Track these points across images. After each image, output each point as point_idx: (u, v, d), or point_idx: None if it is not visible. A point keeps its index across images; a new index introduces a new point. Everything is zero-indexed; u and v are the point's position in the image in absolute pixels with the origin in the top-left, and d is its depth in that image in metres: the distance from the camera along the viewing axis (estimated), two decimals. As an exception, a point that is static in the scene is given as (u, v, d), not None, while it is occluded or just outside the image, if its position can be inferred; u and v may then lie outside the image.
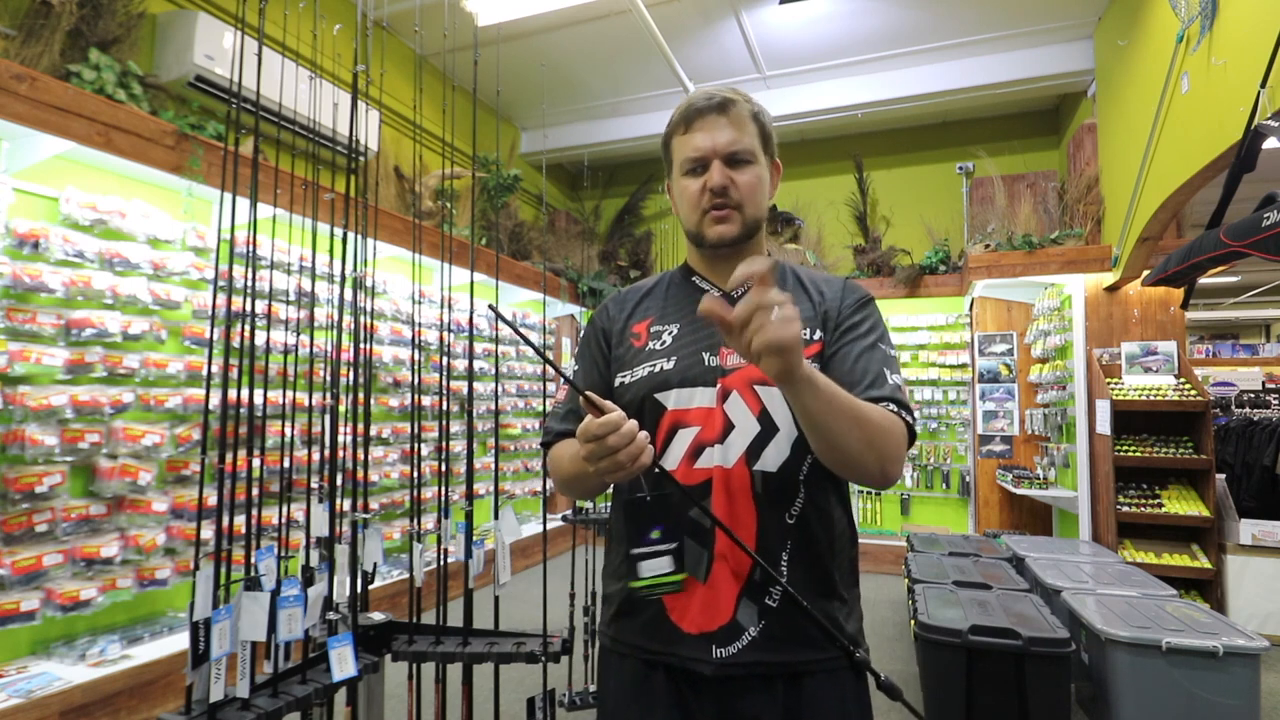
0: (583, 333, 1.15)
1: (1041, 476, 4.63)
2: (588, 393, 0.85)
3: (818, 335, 1.01)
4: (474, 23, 3.38)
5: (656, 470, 0.89)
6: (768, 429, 0.96)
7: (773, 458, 0.96)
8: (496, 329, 3.41)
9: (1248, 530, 3.69)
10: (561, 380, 1.15)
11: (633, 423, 0.84)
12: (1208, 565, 3.71)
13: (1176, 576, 3.68)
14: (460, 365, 3.95)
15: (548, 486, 5.14)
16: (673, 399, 1.00)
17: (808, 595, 0.93)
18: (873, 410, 0.89)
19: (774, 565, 0.93)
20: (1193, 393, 3.88)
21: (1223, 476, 3.99)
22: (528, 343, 0.86)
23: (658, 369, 1.02)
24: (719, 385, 0.98)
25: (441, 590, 1.96)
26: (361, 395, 1.90)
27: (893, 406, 0.93)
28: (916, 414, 1.02)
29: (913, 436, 0.94)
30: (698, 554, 0.95)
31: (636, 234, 6.87)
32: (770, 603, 0.93)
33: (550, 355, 6.03)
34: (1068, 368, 4.43)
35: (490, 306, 0.89)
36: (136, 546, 2.73)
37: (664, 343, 1.05)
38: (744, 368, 0.99)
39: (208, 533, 1.45)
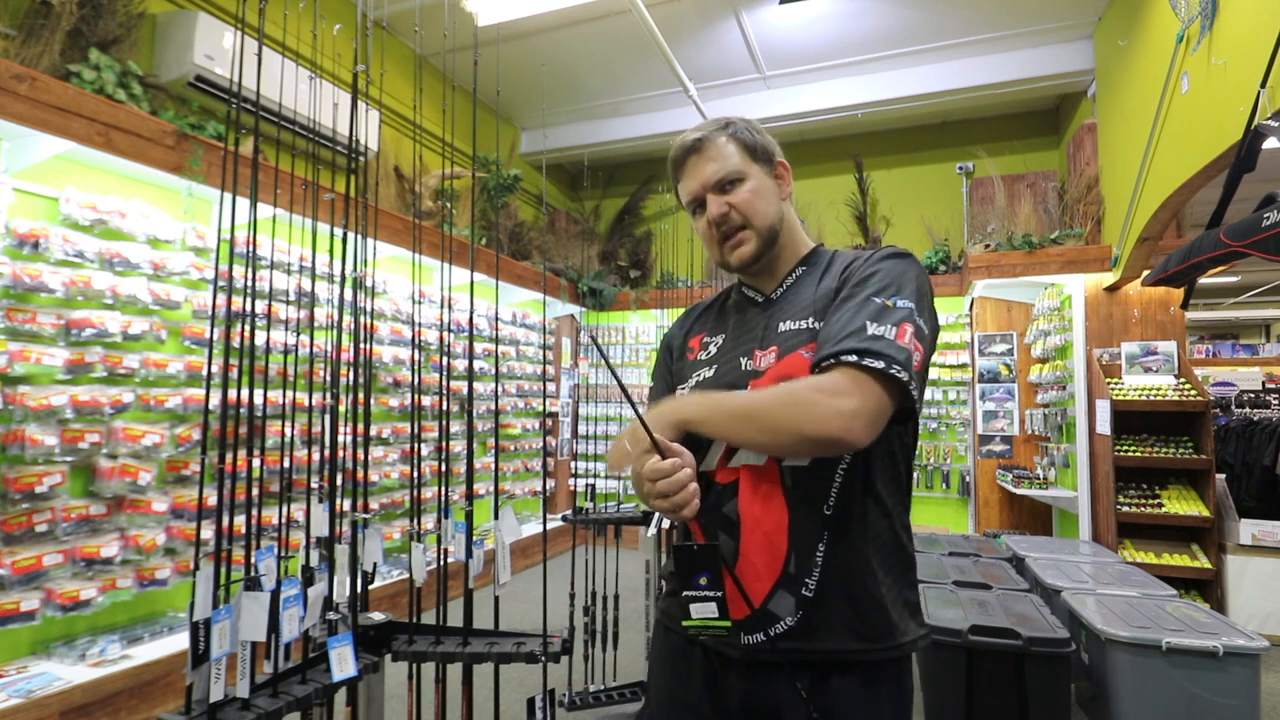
0: (658, 349, 1.27)
1: (1041, 476, 4.62)
2: (656, 436, 0.92)
3: None
4: (474, 23, 3.38)
5: (704, 518, 0.97)
6: None
7: None
8: (497, 329, 3.41)
9: (1248, 530, 3.69)
10: (649, 397, 1.27)
11: (685, 472, 0.90)
12: (1208, 565, 3.71)
13: (1176, 576, 3.68)
14: (460, 365, 3.95)
15: (548, 486, 5.14)
16: None
17: (850, 584, 0.95)
18: (755, 396, 0.94)
19: (810, 556, 0.95)
20: (1193, 393, 3.88)
21: (1223, 476, 3.99)
22: (615, 377, 0.91)
23: (703, 377, 1.09)
24: (750, 387, 1.02)
25: (441, 590, 1.96)
26: (361, 395, 1.90)
27: (850, 358, 0.87)
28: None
29: (892, 382, 0.87)
30: (729, 547, 1.00)
31: (636, 234, 6.87)
32: (807, 593, 0.95)
33: (550, 356, 6.03)
34: (1068, 368, 4.43)
35: (591, 337, 0.96)
36: (136, 546, 2.73)
37: (710, 353, 1.12)
38: (775, 366, 1.01)
39: (208, 533, 1.45)
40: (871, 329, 0.90)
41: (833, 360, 0.89)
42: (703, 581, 0.92)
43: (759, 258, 1.07)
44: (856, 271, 1.01)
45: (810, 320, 1.02)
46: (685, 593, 0.93)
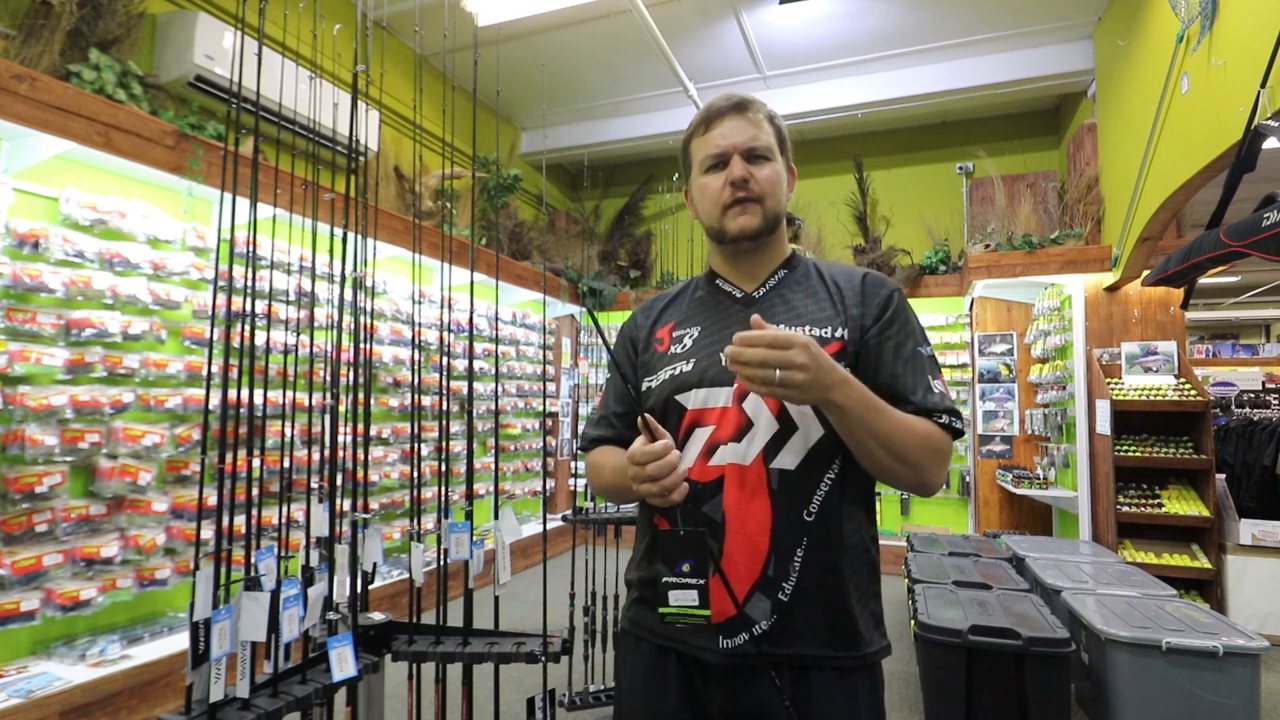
0: (614, 343, 1.20)
1: (1041, 476, 4.63)
2: (646, 415, 0.92)
3: (839, 333, 1.01)
4: (474, 23, 3.38)
5: (689, 505, 0.95)
6: (786, 427, 0.98)
7: (791, 456, 0.97)
8: (497, 329, 3.41)
9: (1248, 530, 3.69)
10: (604, 389, 1.23)
11: (675, 454, 0.91)
12: (1208, 565, 3.71)
13: (1176, 576, 3.68)
14: (460, 365, 3.95)
15: (548, 486, 5.14)
16: (693, 399, 1.03)
17: (823, 591, 0.95)
18: (908, 427, 0.93)
19: (788, 561, 0.95)
20: (1193, 393, 3.88)
21: (1223, 476, 3.99)
22: (607, 346, 0.89)
23: (678, 371, 1.05)
24: (736, 384, 1.00)
25: (441, 590, 1.96)
26: (361, 395, 1.90)
27: (943, 418, 0.97)
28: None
29: (958, 436, 0.98)
30: (713, 547, 0.97)
31: (636, 234, 6.87)
32: (783, 597, 0.95)
33: (550, 356, 6.03)
34: (1068, 368, 4.43)
35: (588, 310, 0.94)
36: (136, 546, 2.73)
37: (685, 346, 1.08)
38: None
39: (208, 533, 1.45)
40: (934, 385, 0.99)
41: (941, 416, 0.97)
42: (685, 568, 0.90)
43: (758, 235, 1.05)
44: (876, 305, 1.03)
45: (807, 329, 1.01)
46: (666, 579, 0.91)
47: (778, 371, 0.83)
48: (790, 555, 0.95)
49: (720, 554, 0.96)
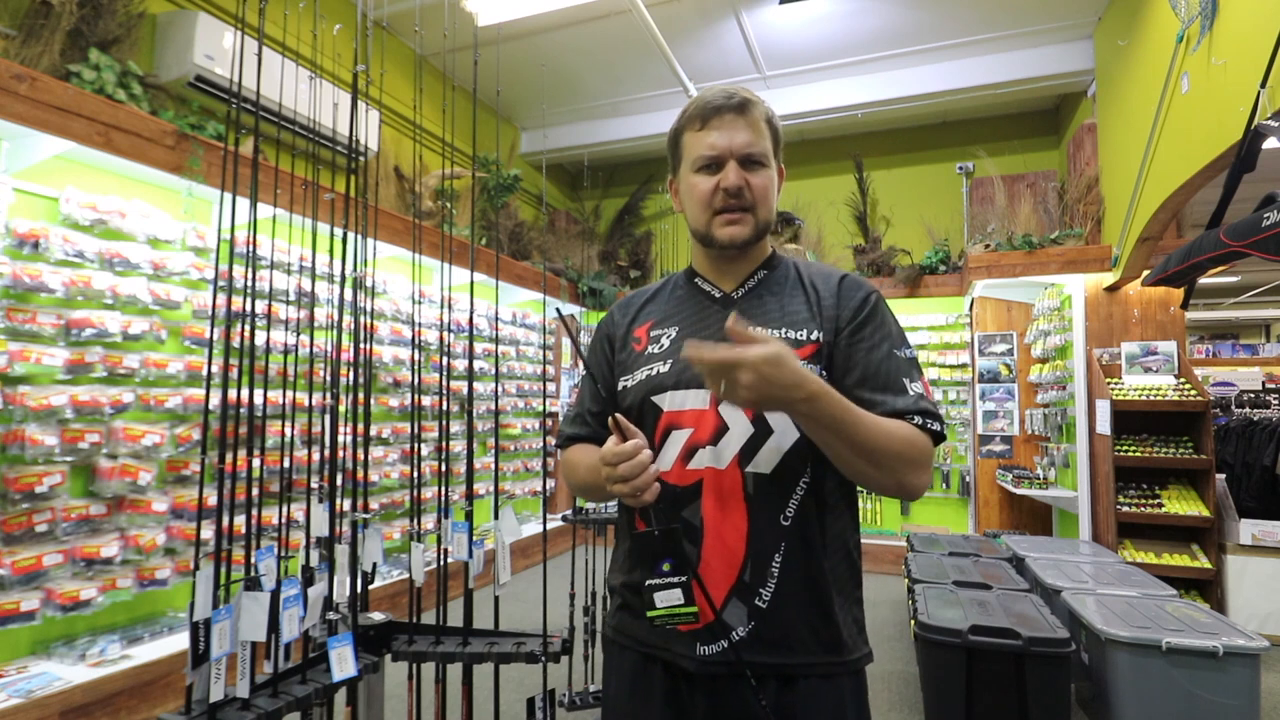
0: (590, 340, 1.17)
1: (1041, 476, 4.62)
2: (617, 415, 0.91)
3: (814, 335, 0.99)
4: (474, 23, 3.38)
5: (662, 505, 0.93)
6: (762, 431, 0.96)
7: (766, 460, 0.96)
8: (497, 329, 3.41)
9: (1248, 530, 3.69)
10: (580, 386, 1.20)
11: (646, 454, 0.89)
12: (1208, 565, 3.71)
13: (1176, 576, 3.68)
14: (460, 365, 3.95)
15: (548, 486, 5.14)
16: (668, 401, 1.01)
17: (803, 597, 0.94)
18: (885, 432, 0.89)
19: (765, 566, 0.93)
20: (1193, 393, 3.88)
21: (1223, 476, 3.99)
22: (578, 349, 0.88)
23: (654, 372, 1.03)
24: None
25: (441, 590, 1.96)
26: (361, 395, 1.90)
27: (917, 419, 0.93)
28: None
29: (939, 439, 0.95)
30: (691, 553, 0.96)
31: (636, 234, 6.87)
32: (760, 604, 0.93)
33: (550, 356, 6.03)
34: (1068, 368, 4.43)
35: (557, 310, 0.92)
36: (136, 546, 2.73)
37: (662, 346, 1.06)
38: None
39: (208, 533, 1.45)
40: (911, 387, 0.96)
41: (915, 418, 0.94)
42: (665, 568, 0.89)
43: (746, 245, 1.03)
44: (852, 306, 1.01)
45: (784, 330, 1.00)
46: (649, 581, 0.89)
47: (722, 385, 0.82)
48: (768, 561, 0.94)
49: (699, 561, 0.94)
